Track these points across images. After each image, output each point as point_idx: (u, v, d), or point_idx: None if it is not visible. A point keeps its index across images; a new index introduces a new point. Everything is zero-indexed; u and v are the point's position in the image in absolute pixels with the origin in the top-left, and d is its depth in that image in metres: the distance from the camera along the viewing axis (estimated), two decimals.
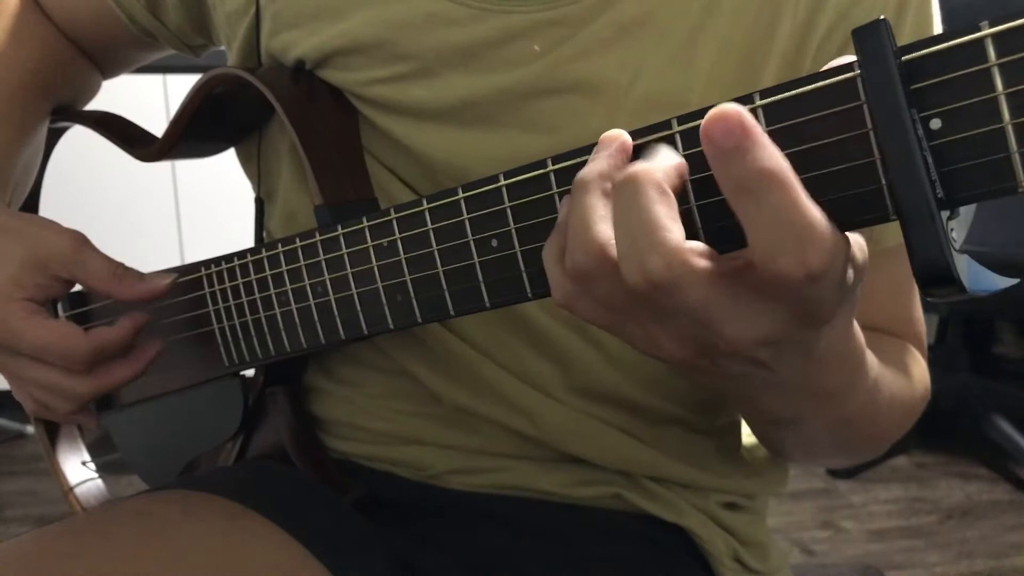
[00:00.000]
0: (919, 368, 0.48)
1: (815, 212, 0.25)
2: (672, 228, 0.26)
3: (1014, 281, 0.27)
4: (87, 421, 0.56)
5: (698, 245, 0.26)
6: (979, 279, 0.26)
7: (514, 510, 0.51)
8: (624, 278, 0.27)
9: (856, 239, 0.29)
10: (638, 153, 0.30)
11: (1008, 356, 2.05)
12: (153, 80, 1.73)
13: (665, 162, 0.28)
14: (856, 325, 0.35)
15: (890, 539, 1.47)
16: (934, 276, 0.24)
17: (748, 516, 0.54)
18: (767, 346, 0.28)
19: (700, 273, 0.26)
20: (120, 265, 0.51)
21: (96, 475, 0.66)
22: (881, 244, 0.46)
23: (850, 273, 0.28)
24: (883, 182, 0.25)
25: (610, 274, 0.28)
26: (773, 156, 0.25)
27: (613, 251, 0.28)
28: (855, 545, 1.45)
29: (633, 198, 0.27)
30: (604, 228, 0.28)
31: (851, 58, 0.26)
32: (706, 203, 0.28)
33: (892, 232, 0.45)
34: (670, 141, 0.29)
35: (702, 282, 0.26)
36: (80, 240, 0.50)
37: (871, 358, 0.38)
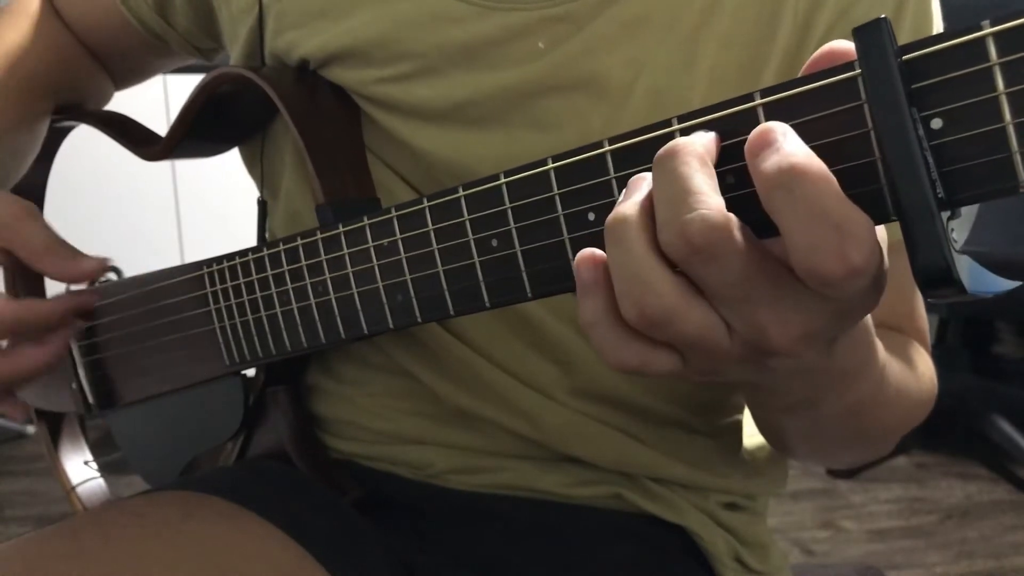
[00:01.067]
0: (924, 363, 0.47)
1: (851, 204, 0.24)
2: (713, 195, 0.25)
3: (1017, 284, 0.27)
4: (12, 412, 0.55)
5: (738, 220, 0.26)
6: (981, 281, 0.25)
7: (514, 510, 0.51)
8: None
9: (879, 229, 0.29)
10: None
11: (1008, 356, 2.05)
12: (153, 80, 1.73)
13: (703, 137, 0.27)
14: None
15: (890, 539, 1.47)
16: (934, 277, 0.24)
17: (749, 516, 0.54)
18: (809, 338, 0.27)
19: (739, 241, 0.25)
20: (57, 241, 0.50)
21: (98, 474, 0.66)
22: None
23: (886, 264, 0.27)
24: (883, 182, 0.25)
25: (684, 305, 0.26)
26: (803, 150, 0.25)
27: (686, 288, 0.26)
28: (855, 545, 1.45)
29: (675, 168, 0.26)
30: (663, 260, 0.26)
31: (849, 44, 0.26)
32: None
33: (892, 227, 0.45)
34: (670, 139, 0.29)
35: (741, 251, 0.25)
36: (24, 210, 0.50)
37: (878, 341, 0.37)
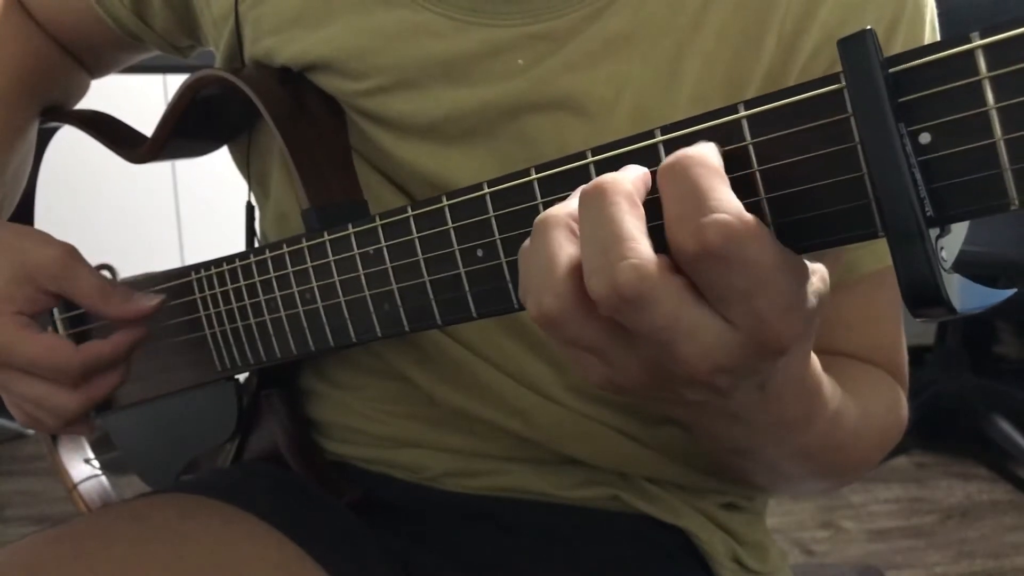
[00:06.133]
0: (894, 398, 0.47)
1: (727, 196, 0.25)
2: (643, 240, 0.25)
3: (1008, 293, 0.27)
4: (81, 431, 0.56)
5: (666, 259, 0.26)
6: (971, 297, 0.25)
7: (511, 512, 0.50)
8: (591, 292, 0.26)
9: (818, 267, 0.29)
10: None
11: (1008, 356, 2.04)
12: (153, 80, 1.73)
13: (632, 173, 0.27)
14: (813, 357, 0.34)
15: (890, 539, 1.47)
16: (922, 297, 0.24)
17: (747, 516, 0.53)
18: (724, 373, 0.27)
19: (671, 287, 0.25)
20: (108, 283, 0.51)
21: (99, 472, 0.66)
22: (857, 270, 0.45)
23: (812, 301, 0.27)
24: (871, 198, 0.25)
25: (581, 313, 0.27)
26: (689, 150, 0.26)
27: (583, 290, 0.26)
28: (855, 545, 1.45)
29: (603, 209, 0.26)
30: (574, 266, 0.27)
31: None
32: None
33: (868, 258, 0.45)
34: (654, 151, 0.29)
35: (673, 297, 0.25)
36: (69, 254, 0.50)
37: (831, 389, 0.37)
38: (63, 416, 0.52)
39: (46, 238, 0.51)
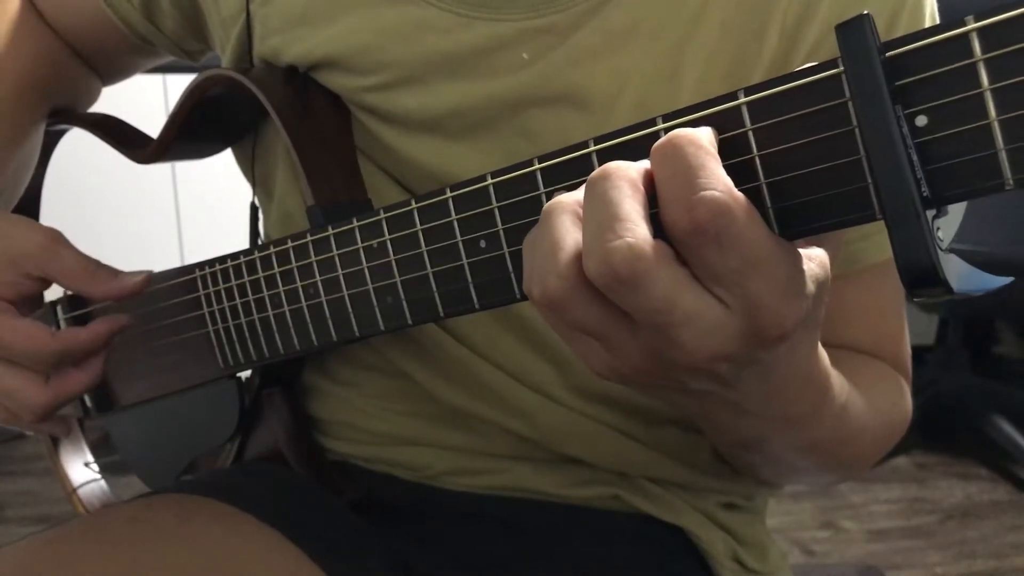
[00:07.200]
0: (898, 392, 0.47)
1: (718, 174, 0.25)
2: (640, 222, 0.26)
3: (1007, 280, 0.27)
4: (56, 430, 0.56)
5: (665, 246, 0.26)
6: (970, 279, 0.25)
7: (512, 511, 0.51)
8: (587, 271, 0.26)
9: (817, 253, 0.29)
10: None
11: (1008, 356, 2.05)
12: (153, 80, 1.73)
13: (640, 163, 0.27)
14: (822, 351, 0.35)
15: (890, 539, 1.47)
16: (919, 277, 0.24)
17: (747, 516, 0.53)
18: (724, 360, 0.27)
19: (667, 270, 0.26)
20: (93, 262, 0.50)
21: (99, 476, 0.66)
22: (861, 263, 0.45)
23: (811, 287, 0.27)
24: (869, 180, 0.25)
25: (584, 296, 0.27)
26: (681, 130, 0.26)
27: (590, 286, 0.27)
28: (855, 545, 1.45)
29: (605, 191, 0.26)
30: (579, 250, 0.27)
31: None
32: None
33: (871, 250, 0.46)
34: (655, 139, 0.29)
35: (668, 280, 0.26)
36: (53, 237, 0.50)
37: (839, 384, 0.37)
38: (34, 411, 0.51)
39: (31, 224, 0.50)
